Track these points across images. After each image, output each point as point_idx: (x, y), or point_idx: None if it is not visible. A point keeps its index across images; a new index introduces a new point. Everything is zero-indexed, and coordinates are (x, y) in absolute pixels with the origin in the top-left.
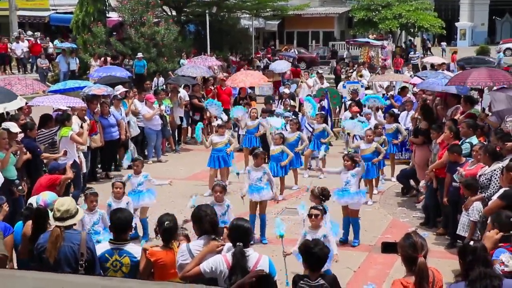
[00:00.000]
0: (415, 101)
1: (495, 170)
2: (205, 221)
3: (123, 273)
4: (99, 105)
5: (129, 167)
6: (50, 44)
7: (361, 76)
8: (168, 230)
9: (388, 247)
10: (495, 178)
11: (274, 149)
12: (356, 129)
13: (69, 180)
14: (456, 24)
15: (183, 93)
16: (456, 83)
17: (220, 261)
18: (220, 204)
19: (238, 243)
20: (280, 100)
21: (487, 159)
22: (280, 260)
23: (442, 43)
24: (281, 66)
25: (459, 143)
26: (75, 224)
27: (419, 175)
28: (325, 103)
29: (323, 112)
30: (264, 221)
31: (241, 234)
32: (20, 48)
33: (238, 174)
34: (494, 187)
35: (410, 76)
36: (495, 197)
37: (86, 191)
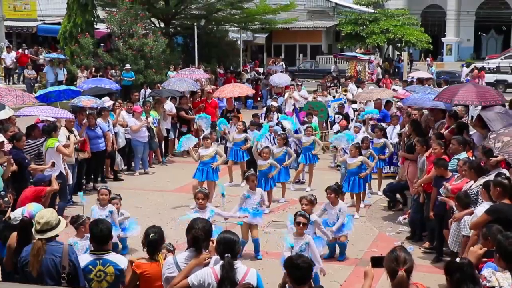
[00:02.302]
0: (400, 115)
1: (481, 185)
2: (189, 233)
3: (108, 283)
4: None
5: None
6: (42, 56)
7: (345, 91)
8: (153, 243)
9: (377, 261)
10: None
11: (263, 164)
12: (342, 143)
13: (55, 192)
14: (443, 39)
15: (169, 106)
16: (444, 99)
17: (208, 274)
18: (203, 211)
19: (226, 255)
20: (268, 113)
21: (472, 174)
22: (266, 274)
23: (427, 59)
24: (282, 79)
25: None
26: (57, 236)
27: (412, 191)
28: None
29: (311, 126)
30: (258, 244)
31: (228, 247)
32: (9, 58)
33: (223, 194)
34: (481, 201)
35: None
36: (478, 211)
37: (83, 219)
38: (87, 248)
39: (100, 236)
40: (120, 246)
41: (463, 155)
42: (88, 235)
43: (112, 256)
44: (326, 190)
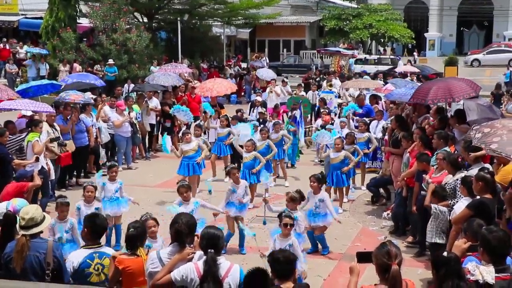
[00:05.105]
0: (385, 110)
1: (457, 179)
2: (172, 228)
3: (105, 275)
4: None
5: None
6: (23, 49)
7: (330, 86)
8: (131, 237)
9: (363, 257)
10: (459, 188)
11: (247, 156)
12: (324, 139)
13: (37, 187)
14: (425, 34)
15: (155, 102)
16: (418, 99)
17: (191, 269)
18: (187, 203)
19: (209, 250)
20: (252, 108)
21: (450, 168)
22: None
23: (413, 53)
24: (268, 74)
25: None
26: (41, 232)
27: (396, 185)
28: (297, 113)
29: (279, 121)
30: (243, 233)
31: (212, 242)
32: None
33: (210, 191)
34: (460, 196)
35: (383, 84)
36: (457, 207)
37: (57, 200)
38: (67, 231)
39: (102, 228)
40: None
41: (446, 149)
42: (70, 218)
43: (106, 249)
44: (310, 178)
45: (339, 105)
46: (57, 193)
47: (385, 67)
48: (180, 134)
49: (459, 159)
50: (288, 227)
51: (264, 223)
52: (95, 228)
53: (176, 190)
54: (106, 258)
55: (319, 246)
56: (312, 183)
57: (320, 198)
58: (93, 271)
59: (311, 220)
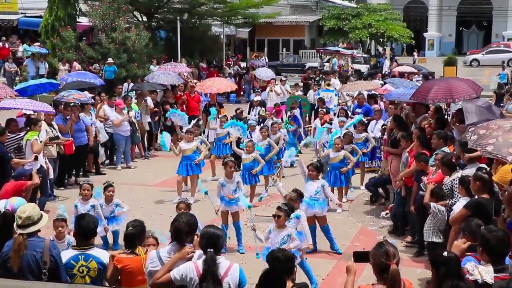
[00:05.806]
0: (384, 110)
1: (454, 180)
2: (172, 226)
3: (91, 278)
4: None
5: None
6: (20, 48)
7: (328, 85)
8: (129, 236)
9: (360, 256)
10: (456, 188)
11: (246, 157)
12: (323, 137)
13: (36, 186)
14: (425, 34)
15: (148, 101)
16: (419, 99)
17: (190, 268)
18: None
19: (209, 249)
20: (251, 108)
21: (445, 169)
22: (249, 268)
23: (414, 53)
24: (266, 73)
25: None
26: (39, 231)
27: (395, 185)
28: (297, 112)
29: (277, 122)
30: (239, 229)
31: (211, 241)
32: None
33: (206, 193)
34: (458, 196)
35: (381, 84)
36: (457, 207)
37: (55, 218)
38: (68, 243)
39: (87, 229)
40: (111, 241)
41: (445, 149)
42: (68, 237)
43: (94, 251)
44: (308, 167)
45: (338, 104)
46: (56, 192)
47: (358, 65)
48: (184, 130)
49: (454, 159)
50: (276, 218)
51: (260, 199)
52: (80, 229)
53: (176, 206)
54: (92, 261)
55: (318, 247)
56: (310, 172)
57: (322, 184)
58: (77, 273)
59: (310, 207)
